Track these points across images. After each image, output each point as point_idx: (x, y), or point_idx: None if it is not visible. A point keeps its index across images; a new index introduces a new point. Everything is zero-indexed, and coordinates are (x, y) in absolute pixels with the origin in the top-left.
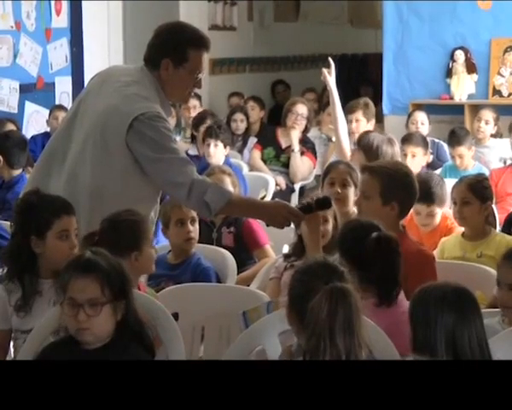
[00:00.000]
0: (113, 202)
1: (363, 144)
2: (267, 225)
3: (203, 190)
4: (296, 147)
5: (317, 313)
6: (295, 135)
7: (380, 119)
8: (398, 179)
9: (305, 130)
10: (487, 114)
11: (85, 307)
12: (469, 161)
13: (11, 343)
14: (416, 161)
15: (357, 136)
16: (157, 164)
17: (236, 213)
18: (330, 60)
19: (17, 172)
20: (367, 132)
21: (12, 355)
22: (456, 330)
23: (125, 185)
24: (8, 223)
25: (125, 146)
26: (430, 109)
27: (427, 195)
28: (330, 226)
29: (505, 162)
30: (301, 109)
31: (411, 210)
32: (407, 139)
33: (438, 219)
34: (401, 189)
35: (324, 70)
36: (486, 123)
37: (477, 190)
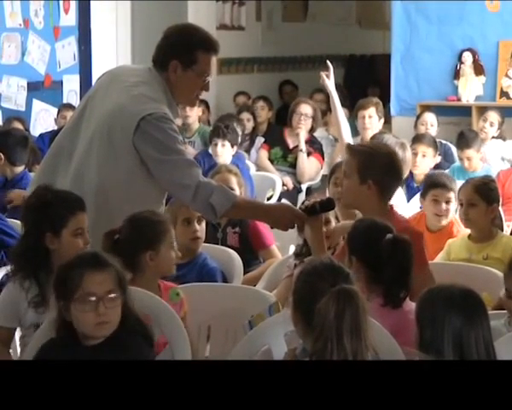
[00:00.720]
0: (118, 201)
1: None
2: (271, 228)
3: (209, 192)
4: (303, 147)
5: (324, 315)
6: (302, 135)
7: (387, 120)
8: (376, 158)
9: (312, 129)
10: (493, 116)
11: (105, 299)
12: (478, 163)
13: (18, 341)
14: (426, 161)
15: (369, 132)
16: (163, 165)
17: (241, 215)
18: (328, 62)
19: (19, 169)
20: (381, 133)
21: (18, 352)
22: (463, 332)
23: (130, 185)
24: (15, 221)
25: (131, 146)
26: (437, 111)
27: (445, 181)
28: (333, 227)
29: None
30: (305, 109)
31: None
32: (419, 139)
33: (451, 216)
34: (377, 168)
35: (322, 73)
36: (491, 125)
37: (483, 192)
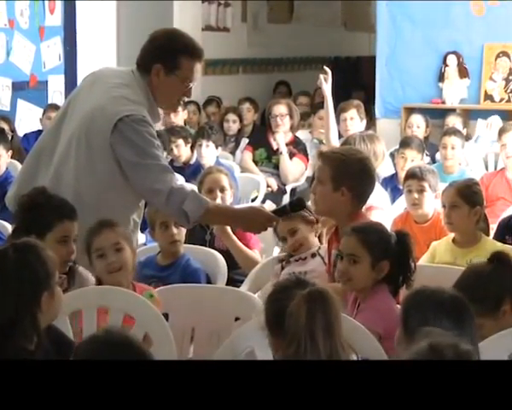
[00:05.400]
0: (94, 203)
1: (343, 143)
2: (243, 232)
3: (182, 198)
4: (284, 149)
5: (295, 317)
6: (280, 138)
7: (372, 122)
8: (348, 165)
9: (292, 127)
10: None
11: None
12: (455, 165)
13: None
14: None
15: (350, 133)
16: (137, 169)
17: (214, 221)
18: (326, 68)
19: None
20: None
21: None
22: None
23: (106, 189)
24: (3, 223)
25: (108, 147)
26: (422, 113)
27: (416, 171)
28: (301, 234)
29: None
30: (280, 110)
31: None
32: (407, 144)
33: (429, 206)
34: (350, 174)
35: (321, 76)
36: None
37: (466, 195)
